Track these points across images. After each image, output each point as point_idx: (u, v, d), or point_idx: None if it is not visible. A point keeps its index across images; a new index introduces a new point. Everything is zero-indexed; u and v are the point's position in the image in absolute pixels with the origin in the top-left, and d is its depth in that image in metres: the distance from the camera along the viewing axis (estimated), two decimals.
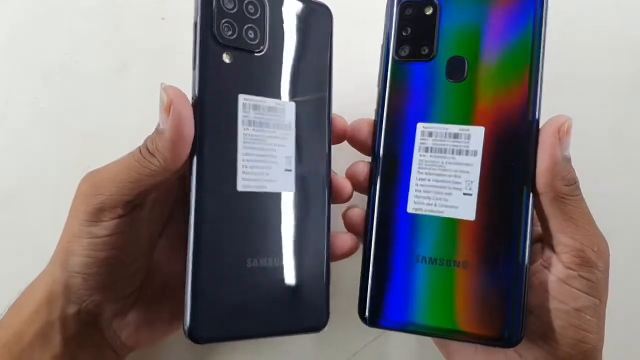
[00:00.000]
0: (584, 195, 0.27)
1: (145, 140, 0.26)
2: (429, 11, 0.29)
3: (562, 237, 0.26)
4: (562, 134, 0.26)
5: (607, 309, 0.27)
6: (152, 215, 0.30)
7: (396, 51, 0.30)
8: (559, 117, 0.26)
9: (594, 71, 0.38)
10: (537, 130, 0.27)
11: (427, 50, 0.29)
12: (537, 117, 0.27)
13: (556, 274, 0.27)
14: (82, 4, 0.39)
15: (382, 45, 0.30)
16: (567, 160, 0.26)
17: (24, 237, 0.36)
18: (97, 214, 0.26)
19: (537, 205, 0.27)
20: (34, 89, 0.38)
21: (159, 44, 0.38)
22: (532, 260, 0.28)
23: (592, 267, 0.26)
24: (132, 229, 0.28)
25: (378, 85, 0.30)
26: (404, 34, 0.30)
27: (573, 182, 0.26)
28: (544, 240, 0.28)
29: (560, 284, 0.26)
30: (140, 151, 0.26)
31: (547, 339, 0.27)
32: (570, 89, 0.37)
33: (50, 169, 0.37)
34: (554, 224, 0.27)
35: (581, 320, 0.26)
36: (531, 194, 0.27)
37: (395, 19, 0.30)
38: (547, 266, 0.27)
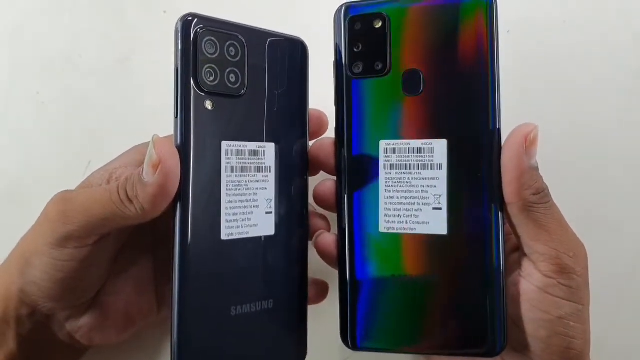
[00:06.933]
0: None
1: (125, 182, 0.25)
2: (378, 24, 0.28)
3: (536, 246, 0.26)
4: (529, 142, 0.25)
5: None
6: (113, 240, 0.29)
7: (349, 68, 0.29)
8: (525, 125, 0.26)
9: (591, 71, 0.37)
10: (500, 139, 0.27)
11: (380, 66, 0.28)
12: (498, 125, 0.27)
13: (535, 283, 0.26)
14: None
15: (334, 62, 0.29)
16: (535, 169, 0.26)
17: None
18: (63, 242, 0.26)
19: (508, 215, 0.27)
20: (36, 83, 0.38)
21: (161, 37, 0.36)
22: (511, 271, 0.28)
23: (571, 273, 0.26)
24: (94, 256, 0.27)
25: (335, 104, 0.30)
26: (355, 49, 0.29)
27: (541, 191, 0.26)
28: (520, 250, 0.27)
29: (540, 294, 0.26)
30: (118, 192, 0.25)
31: (533, 349, 0.27)
32: (568, 89, 0.36)
33: (53, 164, 0.38)
34: (527, 233, 0.26)
35: (566, 327, 0.26)
36: (500, 203, 0.27)
37: (345, 34, 0.29)
38: (526, 276, 0.27)
